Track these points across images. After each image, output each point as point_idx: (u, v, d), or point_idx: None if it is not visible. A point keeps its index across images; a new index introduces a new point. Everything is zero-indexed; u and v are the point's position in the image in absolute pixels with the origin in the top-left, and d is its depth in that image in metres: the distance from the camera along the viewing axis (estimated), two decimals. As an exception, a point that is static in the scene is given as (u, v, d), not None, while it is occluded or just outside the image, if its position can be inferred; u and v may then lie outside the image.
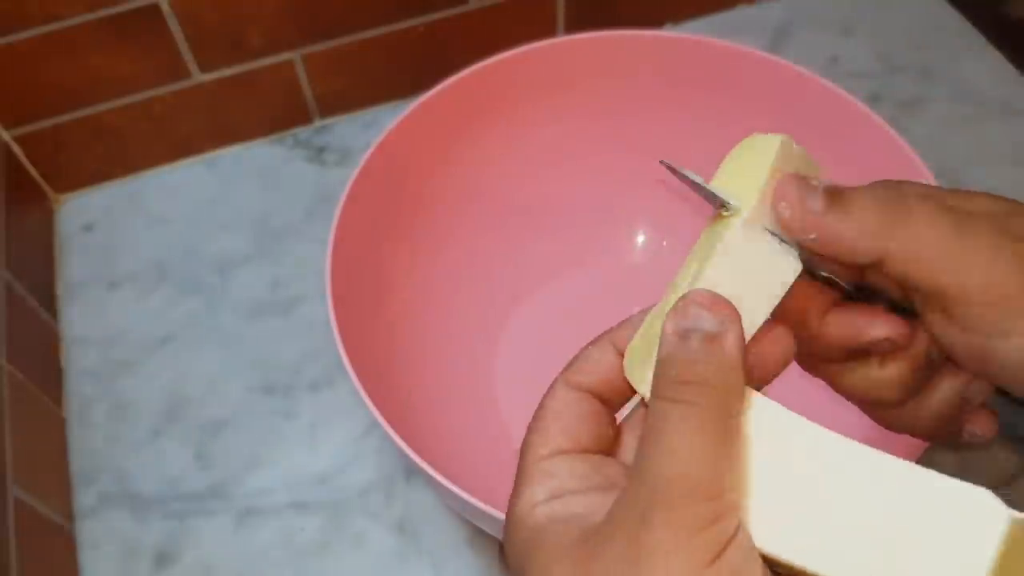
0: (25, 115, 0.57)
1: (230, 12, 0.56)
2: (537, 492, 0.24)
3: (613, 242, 0.55)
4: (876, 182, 0.26)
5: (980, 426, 0.28)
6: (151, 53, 0.57)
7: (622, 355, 0.25)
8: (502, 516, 0.34)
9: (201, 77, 0.59)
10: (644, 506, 0.21)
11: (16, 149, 0.59)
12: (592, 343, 0.26)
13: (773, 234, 0.25)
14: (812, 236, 0.24)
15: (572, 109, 0.51)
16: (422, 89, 0.47)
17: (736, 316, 0.22)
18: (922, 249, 0.24)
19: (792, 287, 0.25)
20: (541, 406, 0.25)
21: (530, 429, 0.25)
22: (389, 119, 0.47)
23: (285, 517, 0.49)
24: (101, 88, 0.58)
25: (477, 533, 0.48)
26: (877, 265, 0.25)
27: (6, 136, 0.58)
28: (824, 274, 0.26)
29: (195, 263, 0.59)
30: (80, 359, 0.56)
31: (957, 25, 0.67)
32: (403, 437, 0.36)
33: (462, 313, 0.51)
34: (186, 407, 0.53)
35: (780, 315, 0.25)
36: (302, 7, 0.57)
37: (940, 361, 0.27)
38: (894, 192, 0.25)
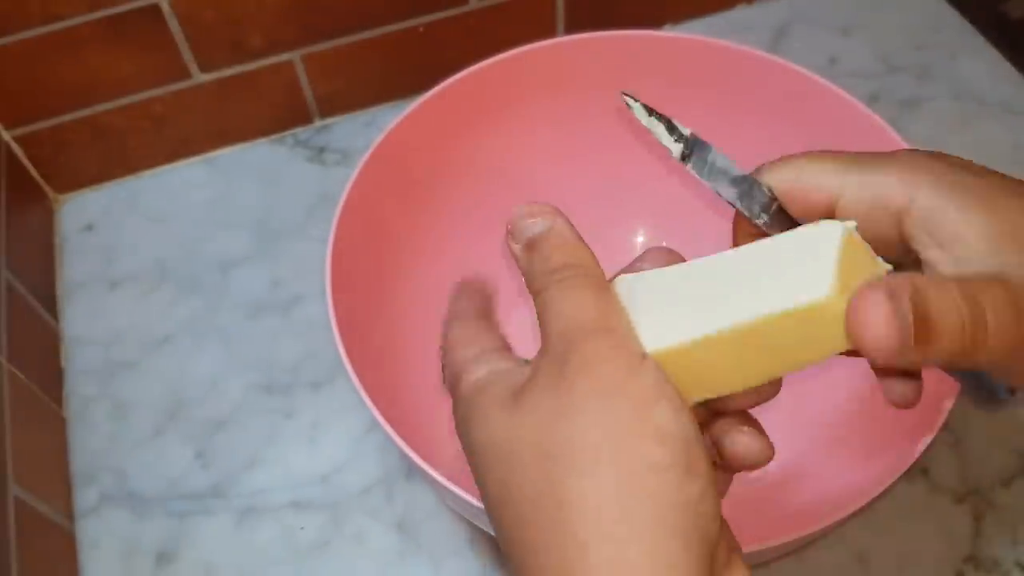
0: (25, 115, 0.57)
1: (230, 12, 0.56)
2: (474, 373, 0.27)
3: (613, 243, 0.54)
4: (863, 171, 0.28)
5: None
6: (151, 53, 0.57)
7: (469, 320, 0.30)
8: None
9: (201, 77, 0.59)
10: (566, 346, 0.24)
11: (16, 149, 0.59)
12: (445, 326, 0.31)
13: None
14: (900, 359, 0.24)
15: (572, 109, 0.51)
16: (422, 89, 0.47)
17: (553, 209, 0.27)
18: (997, 359, 0.25)
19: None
20: (444, 343, 0.30)
21: (445, 359, 0.29)
22: (389, 119, 0.47)
23: (285, 516, 0.49)
24: (101, 88, 0.58)
25: (477, 533, 0.48)
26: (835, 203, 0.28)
27: (6, 136, 0.58)
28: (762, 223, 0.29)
29: (195, 263, 0.59)
30: (80, 359, 0.56)
31: (957, 25, 0.67)
32: (403, 437, 0.36)
33: (462, 313, 0.51)
34: (186, 407, 0.53)
35: None
36: (302, 7, 0.57)
37: None
38: (976, 307, 0.24)
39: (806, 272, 0.24)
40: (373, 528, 0.48)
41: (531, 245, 0.27)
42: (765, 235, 0.28)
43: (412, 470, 0.50)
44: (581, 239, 0.27)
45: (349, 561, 0.47)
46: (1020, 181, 0.28)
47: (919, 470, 0.48)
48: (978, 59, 0.65)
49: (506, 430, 0.24)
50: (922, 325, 0.23)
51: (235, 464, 0.51)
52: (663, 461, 0.22)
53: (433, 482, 0.36)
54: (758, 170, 0.29)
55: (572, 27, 0.64)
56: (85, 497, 0.50)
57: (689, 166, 0.29)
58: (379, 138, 0.45)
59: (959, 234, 0.26)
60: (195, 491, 0.50)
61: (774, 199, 0.29)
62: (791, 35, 0.67)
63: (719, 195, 0.29)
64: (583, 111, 0.52)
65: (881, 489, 0.34)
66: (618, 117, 0.52)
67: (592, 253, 0.26)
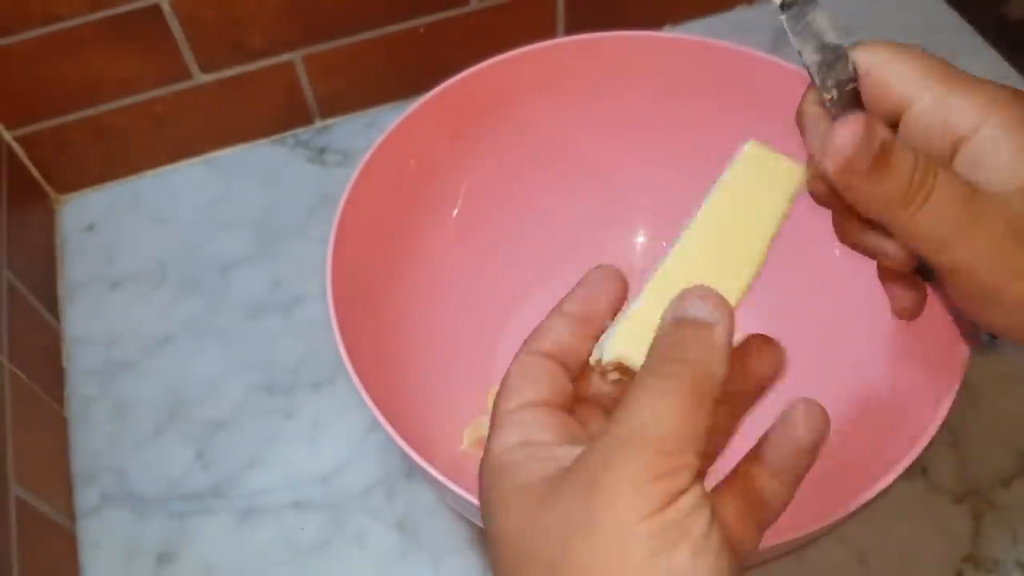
0: (26, 115, 0.58)
1: (231, 12, 0.56)
2: (507, 438, 0.25)
3: (613, 243, 0.55)
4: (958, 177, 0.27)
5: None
6: (152, 53, 0.57)
7: (575, 322, 0.28)
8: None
9: (202, 78, 0.59)
10: (606, 453, 0.22)
11: (17, 149, 0.59)
12: (548, 316, 0.28)
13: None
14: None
15: (572, 109, 0.51)
16: (422, 89, 0.47)
17: (729, 311, 0.24)
18: (927, 231, 0.27)
19: (808, 112, 0.30)
20: (507, 372, 0.27)
21: (498, 394, 0.27)
22: (389, 119, 0.47)
23: (286, 516, 0.49)
24: (102, 88, 0.58)
25: (477, 532, 0.48)
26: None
27: (7, 136, 0.58)
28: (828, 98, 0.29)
29: (196, 263, 0.59)
30: (81, 359, 0.56)
31: (956, 25, 0.67)
32: (403, 437, 0.36)
33: (462, 313, 0.51)
34: (187, 407, 0.53)
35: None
36: (302, 7, 0.58)
37: None
38: (930, 172, 0.26)
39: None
40: (373, 528, 0.48)
41: (681, 322, 0.24)
42: (827, 111, 0.29)
43: (412, 470, 0.50)
44: (727, 356, 0.24)
45: (349, 561, 0.47)
46: None
47: (919, 470, 0.48)
48: (978, 60, 0.65)
49: (525, 529, 0.23)
50: (883, 157, 0.26)
51: (235, 464, 0.51)
52: None
53: (433, 482, 0.36)
54: (851, 46, 0.29)
55: (572, 27, 0.64)
56: (86, 497, 0.50)
57: (784, 16, 0.29)
58: (379, 138, 0.45)
59: (1000, 168, 0.27)
60: (195, 491, 0.50)
61: (854, 79, 0.29)
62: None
63: (800, 56, 0.29)
64: (583, 111, 0.52)
65: (881, 489, 0.34)
66: (618, 117, 0.52)
67: (723, 374, 0.24)
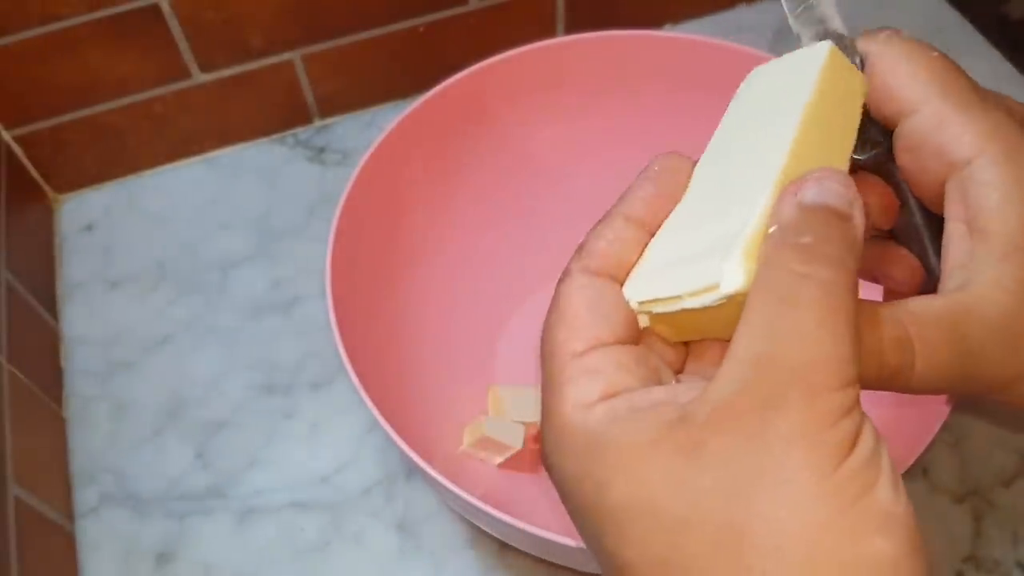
0: (25, 115, 0.57)
1: (230, 12, 0.56)
2: (585, 392, 0.21)
3: (613, 242, 0.55)
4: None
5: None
6: (151, 53, 0.57)
7: (643, 230, 0.24)
8: (502, 516, 0.34)
9: (201, 77, 0.59)
10: (772, 393, 0.19)
11: (16, 149, 0.59)
12: (602, 221, 0.24)
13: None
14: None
15: (572, 109, 0.51)
16: (422, 89, 0.47)
17: (859, 199, 0.21)
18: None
19: None
20: (560, 298, 0.23)
21: (551, 324, 0.23)
22: (389, 119, 0.47)
23: (285, 517, 0.49)
24: (101, 88, 0.58)
25: (477, 533, 0.48)
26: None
27: (6, 136, 0.58)
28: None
29: (195, 263, 0.59)
30: (80, 359, 0.56)
31: (958, 26, 0.67)
32: (403, 437, 0.36)
33: (462, 313, 0.51)
34: (186, 407, 0.53)
35: None
36: (302, 7, 0.57)
37: None
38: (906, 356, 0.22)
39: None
40: (373, 528, 0.48)
41: (818, 209, 0.20)
42: None
43: (412, 470, 0.50)
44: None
45: (349, 561, 0.47)
46: None
47: (919, 470, 0.48)
48: (979, 60, 0.65)
49: (678, 489, 0.19)
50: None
51: (235, 464, 0.51)
52: (890, 554, 0.19)
53: (433, 482, 0.36)
54: (859, 36, 0.27)
55: (572, 27, 0.64)
56: (85, 497, 0.50)
57: None
58: (379, 138, 0.45)
59: (988, 210, 0.23)
60: (195, 491, 0.50)
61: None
62: (791, 35, 0.67)
63: (799, 43, 0.27)
64: (583, 111, 0.52)
65: (881, 489, 0.34)
66: (618, 117, 0.52)
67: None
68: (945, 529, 0.46)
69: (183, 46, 0.57)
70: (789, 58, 0.27)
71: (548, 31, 0.64)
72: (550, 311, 0.23)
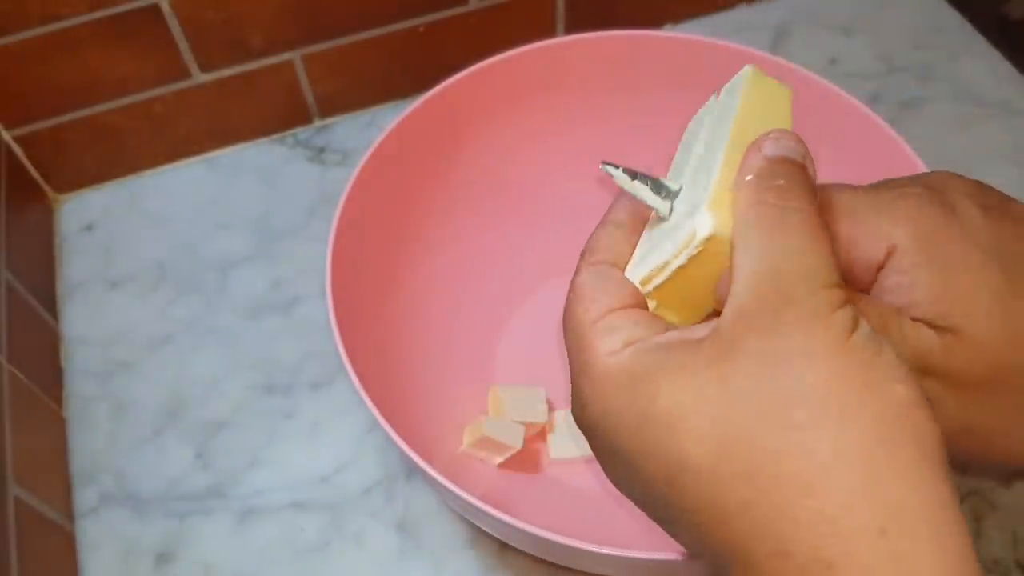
0: (25, 115, 0.57)
1: (230, 12, 0.56)
2: (611, 344, 0.24)
3: (613, 242, 0.55)
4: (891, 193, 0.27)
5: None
6: (151, 53, 0.57)
7: (629, 231, 0.28)
8: (503, 516, 0.34)
9: (201, 77, 0.59)
10: (782, 293, 0.22)
11: (16, 149, 0.59)
12: (596, 229, 0.28)
13: None
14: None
15: (572, 109, 0.51)
16: (422, 89, 0.47)
17: (809, 153, 0.25)
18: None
19: None
20: (574, 286, 0.27)
21: (569, 305, 0.26)
22: (389, 119, 0.47)
23: (285, 517, 0.49)
24: (101, 88, 0.58)
25: (477, 533, 0.48)
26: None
27: (6, 136, 0.58)
28: None
29: (195, 263, 0.59)
30: (80, 359, 0.56)
31: (958, 25, 0.67)
32: (403, 437, 0.36)
33: (462, 313, 0.51)
34: (186, 407, 0.53)
35: None
36: (302, 7, 0.57)
37: None
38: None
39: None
40: (373, 528, 0.48)
41: (781, 162, 0.24)
42: None
43: (412, 470, 0.50)
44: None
45: (349, 561, 0.47)
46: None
47: (919, 470, 0.48)
48: (979, 60, 0.65)
49: (724, 380, 0.22)
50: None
51: (235, 464, 0.51)
52: (910, 398, 0.22)
53: (433, 482, 0.36)
54: None
55: (572, 27, 0.64)
56: (85, 497, 0.50)
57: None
58: (379, 138, 0.45)
59: (920, 303, 0.25)
60: (195, 491, 0.50)
61: None
62: (791, 35, 0.67)
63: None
64: (583, 111, 0.52)
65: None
66: (618, 117, 0.52)
67: None
68: (945, 529, 0.46)
69: (183, 46, 0.57)
70: (723, 91, 0.30)
71: (548, 31, 0.64)
72: (567, 298, 0.27)
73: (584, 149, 0.53)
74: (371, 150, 0.45)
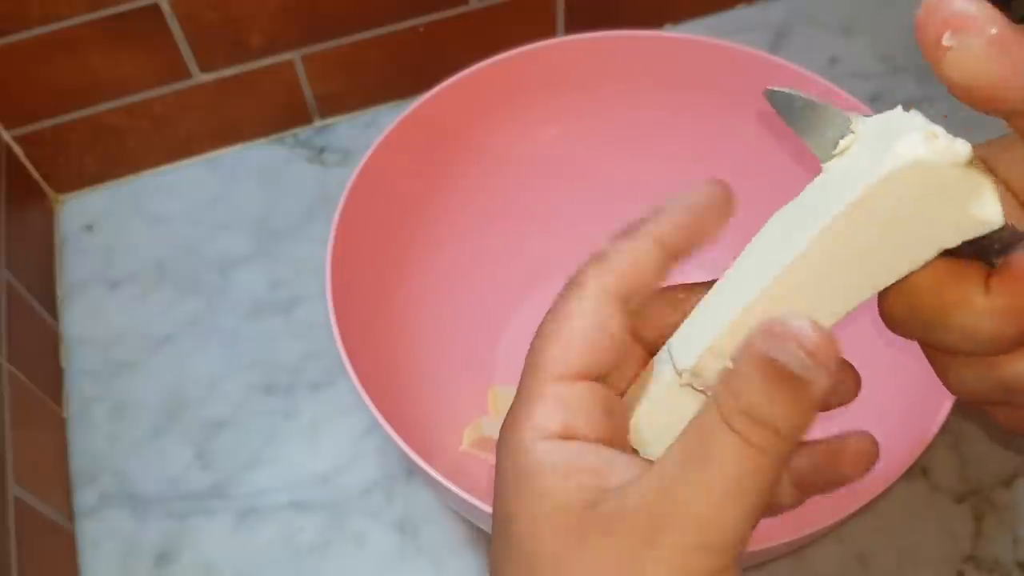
0: (25, 115, 0.57)
1: (230, 12, 0.56)
2: (548, 419, 0.22)
3: (613, 242, 0.55)
4: None
5: None
6: (151, 53, 0.57)
7: (665, 254, 0.22)
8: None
9: (201, 77, 0.59)
10: (656, 525, 0.20)
11: (16, 149, 0.59)
12: (629, 236, 0.23)
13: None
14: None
15: (572, 109, 0.51)
16: (422, 89, 0.47)
17: (832, 362, 0.19)
18: None
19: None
20: (566, 308, 0.22)
21: (547, 333, 0.23)
22: (389, 119, 0.47)
23: (285, 517, 0.49)
24: (101, 88, 0.58)
25: (477, 533, 0.48)
26: None
27: (6, 136, 0.58)
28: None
29: (195, 263, 0.59)
30: (80, 359, 0.56)
31: (957, 25, 0.67)
32: (403, 437, 0.36)
33: (463, 313, 0.51)
34: (186, 407, 0.53)
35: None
36: (302, 7, 0.57)
37: None
38: None
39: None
40: (373, 528, 0.48)
41: (773, 367, 0.19)
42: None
43: (412, 470, 0.50)
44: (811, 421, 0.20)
45: (349, 562, 0.47)
46: None
47: (919, 470, 0.48)
48: (978, 59, 0.65)
49: (554, 562, 0.21)
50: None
51: (235, 464, 0.51)
52: None
53: (433, 482, 0.36)
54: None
55: (572, 27, 0.64)
56: (85, 497, 0.50)
57: None
58: (379, 138, 0.45)
59: None
60: (195, 491, 0.50)
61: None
62: (791, 35, 0.67)
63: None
64: (583, 111, 0.52)
65: (881, 489, 0.34)
66: (618, 117, 0.52)
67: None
68: (945, 529, 0.46)
69: (183, 46, 0.57)
70: (866, 128, 0.21)
71: (548, 31, 0.64)
72: (552, 315, 0.23)
73: (584, 149, 0.53)
74: (371, 150, 0.45)
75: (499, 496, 0.22)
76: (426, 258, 0.50)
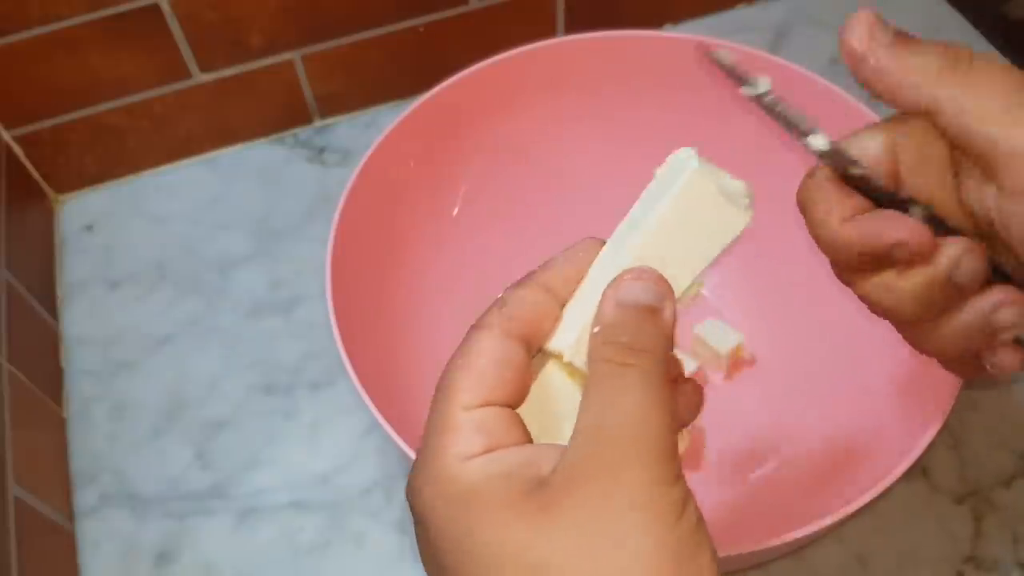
0: (25, 115, 0.57)
1: (230, 12, 0.56)
2: (469, 445, 0.23)
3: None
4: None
5: (1005, 359, 0.27)
6: (151, 53, 0.57)
7: (555, 300, 0.26)
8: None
9: (201, 77, 0.59)
10: (611, 463, 0.22)
11: (16, 149, 0.59)
12: (522, 285, 0.26)
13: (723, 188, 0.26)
14: (872, 68, 0.25)
15: (572, 109, 0.51)
16: (422, 89, 0.47)
17: (670, 292, 0.25)
18: (977, 100, 0.24)
19: (821, 187, 0.27)
20: (473, 345, 0.25)
21: (455, 367, 0.25)
22: (389, 119, 0.47)
23: (285, 517, 0.49)
24: (101, 88, 0.58)
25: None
26: (930, 115, 0.25)
27: (6, 136, 0.58)
28: (858, 173, 0.26)
29: (195, 263, 0.59)
30: (80, 359, 0.56)
31: (958, 26, 0.67)
32: (403, 437, 0.36)
33: (462, 313, 0.51)
34: (186, 407, 0.53)
35: (801, 213, 0.27)
36: (302, 7, 0.57)
37: (965, 283, 0.26)
38: (961, 47, 0.25)
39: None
40: (373, 528, 0.48)
41: (627, 306, 0.24)
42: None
43: (412, 470, 0.50)
44: (673, 337, 0.24)
45: (349, 562, 0.47)
46: None
47: (919, 470, 0.48)
48: (978, 59, 0.65)
49: (534, 544, 0.21)
50: (903, 36, 0.25)
51: (235, 464, 0.51)
52: None
53: (433, 482, 0.36)
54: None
55: (572, 27, 0.64)
56: (85, 497, 0.50)
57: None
58: (379, 138, 0.45)
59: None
60: (195, 491, 0.50)
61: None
62: (791, 35, 0.67)
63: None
64: (583, 111, 0.52)
65: (881, 489, 0.34)
66: (618, 117, 0.52)
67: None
68: (945, 529, 0.46)
69: (183, 46, 0.57)
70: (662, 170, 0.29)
71: (548, 31, 0.64)
72: (458, 354, 0.25)
73: (583, 149, 0.53)
74: (371, 150, 0.45)
75: (438, 529, 0.23)
76: (426, 258, 0.50)
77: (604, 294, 0.24)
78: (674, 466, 0.22)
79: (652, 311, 0.24)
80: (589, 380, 0.24)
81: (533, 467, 0.23)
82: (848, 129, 0.45)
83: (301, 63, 0.61)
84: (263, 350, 0.55)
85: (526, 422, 0.25)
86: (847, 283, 0.28)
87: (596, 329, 0.24)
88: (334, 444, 0.51)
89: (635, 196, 0.29)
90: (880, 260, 0.26)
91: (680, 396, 0.27)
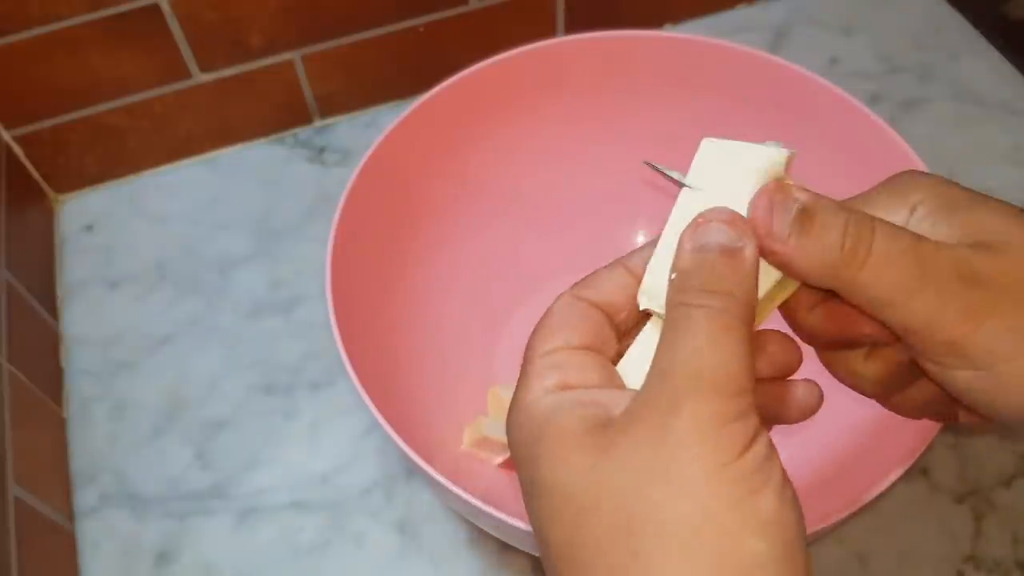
0: (25, 115, 0.57)
1: (230, 12, 0.56)
2: (544, 381, 0.24)
3: (613, 242, 0.54)
4: (865, 195, 0.27)
5: (969, 418, 0.29)
6: (151, 53, 0.57)
7: (635, 279, 0.26)
8: (502, 516, 0.34)
9: (201, 77, 0.59)
10: (671, 399, 0.22)
11: (16, 149, 0.59)
12: (606, 267, 0.27)
13: None
14: (773, 253, 0.25)
15: (572, 109, 0.51)
16: (422, 89, 0.47)
17: (748, 231, 0.24)
18: (876, 291, 0.24)
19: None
20: (546, 312, 0.26)
21: (535, 330, 0.26)
22: (389, 119, 0.47)
23: (285, 517, 0.49)
24: (101, 88, 0.58)
25: (477, 533, 0.48)
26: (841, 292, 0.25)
27: (6, 136, 0.58)
28: None
29: (195, 263, 0.59)
30: (80, 359, 0.56)
31: (958, 25, 0.67)
32: (403, 437, 0.36)
33: (462, 313, 0.51)
34: (186, 407, 0.53)
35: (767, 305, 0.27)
36: (302, 7, 0.57)
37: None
38: (865, 227, 0.24)
39: None
40: (373, 528, 0.48)
41: (705, 249, 0.24)
42: None
43: (412, 470, 0.50)
44: (756, 279, 0.24)
45: (349, 562, 0.47)
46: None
47: (919, 470, 0.48)
48: (979, 60, 0.65)
49: (588, 479, 0.22)
50: (807, 220, 0.24)
51: (235, 464, 0.51)
52: (763, 556, 0.21)
53: (433, 482, 0.36)
54: None
55: (572, 27, 0.64)
56: (85, 497, 0.50)
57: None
58: (379, 138, 0.45)
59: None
60: (195, 491, 0.50)
61: None
62: (791, 35, 0.67)
63: None
64: (583, 111, 0.51)
65: (881, 489, 0.34)
66: (618, 117, 0.52)
67: (756, 299, 0.24)
68: (945, 529, 0.46)
69: (183, 46, 0.57)
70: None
71: (548, 31, 0.64)
72: (540, 320, 0.26)
73: (584, 149, 0.53)
74: (371, 150, 0.45)
75: (521, 458, 0.24)
76: (426, 258, 0.50)
77: (680, 239, 0.25)
78: (739, 402, 0.22)
79: (727, 251, 0.24)
80: (664, 326, 0.24)
81: (602, 407, 0.23)
82: (848, 130, 0.45)
83: (301, 63, 0.61)
84: (263, 350, 0.55)
85: (628, 379, 0.26)
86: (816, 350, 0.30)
87: (673, 276, 0.24)
88: (334, 444, 0.51)
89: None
90: (845, 343, 0.28)
91: (768, 344, 0.27)
